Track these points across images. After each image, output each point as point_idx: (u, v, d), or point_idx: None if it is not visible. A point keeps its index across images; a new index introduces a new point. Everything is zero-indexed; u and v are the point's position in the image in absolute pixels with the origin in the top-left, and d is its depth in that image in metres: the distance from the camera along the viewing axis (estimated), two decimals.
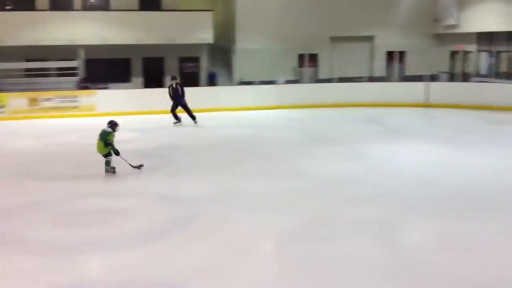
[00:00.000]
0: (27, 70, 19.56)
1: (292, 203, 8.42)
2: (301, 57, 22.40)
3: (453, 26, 22.12)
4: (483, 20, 20.68)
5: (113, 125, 10.03)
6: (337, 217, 7.70)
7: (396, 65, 23.28)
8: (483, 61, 21.95)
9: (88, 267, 6.25)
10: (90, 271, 6.19)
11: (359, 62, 22.50)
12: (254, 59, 20.72)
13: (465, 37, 21.84)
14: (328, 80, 21.21)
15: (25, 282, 5.81)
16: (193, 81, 21.71)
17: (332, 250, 6.50)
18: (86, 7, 22.07)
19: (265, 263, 6.27)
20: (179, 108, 16.14)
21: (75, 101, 17.95)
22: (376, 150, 12.11)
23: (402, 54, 23.23)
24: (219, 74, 23.01)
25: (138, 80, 22.38)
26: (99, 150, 10.03)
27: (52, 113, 17.59)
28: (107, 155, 9.99)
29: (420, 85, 19.34)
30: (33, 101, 17.68)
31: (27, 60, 19.96)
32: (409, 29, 22.65)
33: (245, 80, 20.83)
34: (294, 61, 22.33)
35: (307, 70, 22.50)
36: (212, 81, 22.68)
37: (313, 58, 22.59)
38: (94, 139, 10.03)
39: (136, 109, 17.76)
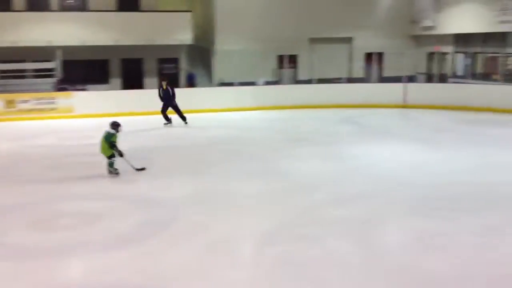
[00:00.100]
0: (4, 71, 19.24)
1: (274, 203, 8.43)
2: (280, 58, 22.48)
3: (430, 28, 22.45)
4: (460, 21, 21.05)
5: (115, 126, 9.94)
6: (319, 218, 7.73)
7: (374, 66, 23.51)
8: (460, 62, 22.33)
9: (68, 271, 6.16)
10: (69, 275, 6.10)
11: (338, 63, 22.71)
12: (233, 60, 20.74)
13: (442, 38, 22.19)
14: (308, 81, 21.33)
15: (3, 287, 5.73)
16: (173, 82, 21.57)
17: (314, 250, 6.53)
18: (63, 8, 21.87)
19: (247, 264, 6.28)
20: (170, 109, 16.11)
21: (52, 103, 17.70)
22: (355, 151, 12.22)
23: (380, 55, 23.49)
24: (199, 75, 22.96)
25: (117, 81, 22.22)
26: (103, 151, 9.90)
27: (30, 115, 17.35)
28: (110, 156, 9.88)
29: (398, 86, 19.53)
30: (10, 103, 17.40)
31: (3, 62, 19.65)
32: (387, 31, 22.94)
33: (225, 81, 20.82)
34: (274, 62, 22.43)
35: (286, 71, 22.60)
36: (191, 82, 22.60)
37: (293, 59, 22.72)
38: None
39: (115, 111, 17.59)
